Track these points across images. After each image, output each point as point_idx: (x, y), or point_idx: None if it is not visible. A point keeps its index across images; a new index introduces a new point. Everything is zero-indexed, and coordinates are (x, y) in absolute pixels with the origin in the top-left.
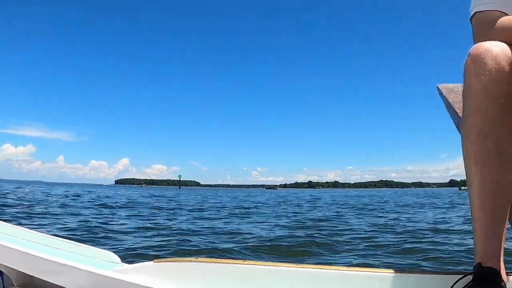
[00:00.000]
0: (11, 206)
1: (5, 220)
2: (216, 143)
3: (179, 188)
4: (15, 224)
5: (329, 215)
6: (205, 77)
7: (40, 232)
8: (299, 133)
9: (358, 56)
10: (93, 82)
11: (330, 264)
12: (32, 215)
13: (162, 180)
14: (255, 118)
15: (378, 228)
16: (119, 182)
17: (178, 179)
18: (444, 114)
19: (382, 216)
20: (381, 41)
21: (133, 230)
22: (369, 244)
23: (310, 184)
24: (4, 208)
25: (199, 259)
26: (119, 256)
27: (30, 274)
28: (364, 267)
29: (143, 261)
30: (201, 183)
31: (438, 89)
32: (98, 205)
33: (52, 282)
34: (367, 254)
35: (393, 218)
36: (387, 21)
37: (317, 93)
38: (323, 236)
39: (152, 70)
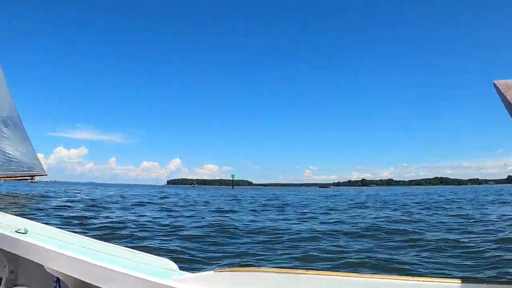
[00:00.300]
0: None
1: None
2: (268, 142)
3: (232, 187)
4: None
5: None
6: (263, 78)
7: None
8: (351, 132)
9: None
10: (145, 84)
11: None
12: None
13: (214, 180)
14: (308, 117)
15: None
16: (171, 182)
17: (231, 178)
18: (501, 110)
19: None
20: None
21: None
22: None
23: (364, 182)
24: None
25: (262, 268)
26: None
27: (86, 281)
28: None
29: (203, 271)
30: (253, 182)
31: (495, 86)
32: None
33: None
34: None
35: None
36: None
37: (372, 92)
38: None
39: (207, 69)
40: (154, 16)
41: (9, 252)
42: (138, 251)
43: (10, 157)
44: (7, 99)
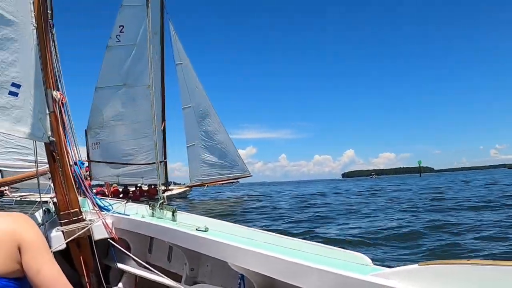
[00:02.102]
0: None
1: None
2: (445, 123)
3: (420, 175)
4: None
5: None
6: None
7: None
8: None
9: None
10: (307, 78)
11: None
12: None
13: (391, 169)
14: (488, 90)
15: None
16: (346, 175)
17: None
18: None
19: None
20: None
21: None
22: None
23: None
24: None
25: (472, 261)
26: None
27: (274, 277)
28: None
29: (405, 265)
30: (434, 169)
31: None
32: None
33: (296, 284)
34: None
35: None
36: None
37: None
38: None
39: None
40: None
41: (190, 250)
42: (326, 245)
43: (214, 162)
44: (205, 101)
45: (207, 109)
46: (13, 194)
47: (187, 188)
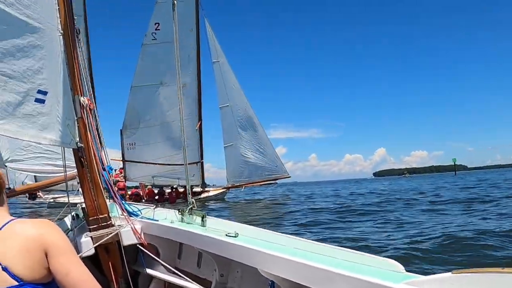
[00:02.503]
0: None
1: None
2: (479, 119)
3: (455, 174)
4: None
5: None
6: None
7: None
8: None
9: None
10: (333, 77)
11: None
12: None
13: (425, 167)
14: None
15: None
16: (378, 174)
17: (451, 163)
18: None
19: None
20: None
21: None
22: None
23: None
24: None
25: (507, 269)
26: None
27: (303, 284)
28: None
29: (438, 272)
30: (468, 166)
31: None
32: None
33: None
34: None
35: None
36: None
37: None
38: None
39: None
40: None
41: (220, 256)
42: (358, 251)
43: (252, 162)
44: (243, 100)
45: (245, 108)
46: (46, 196)
47: (224, 190)
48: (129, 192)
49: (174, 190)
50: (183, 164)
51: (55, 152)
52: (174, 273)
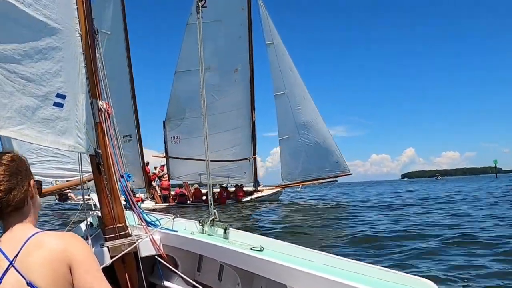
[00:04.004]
0: None
1: None
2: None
3: (496, 176)
4: None
5: None
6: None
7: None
8: None
9: None
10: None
11: None
12: None
13: (456, 169)
14: None
15: None
16: (406, 176)
17: (494, 165)
18: None
19: None
20: None
21: None
22: None
23: None
24: None
25: None
26: None
27: None
28: None
29: None
30: (502, 169)
31: None
32: None
33: None
34: None
35: None
36: None
37: None
38: None
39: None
40: None
41: (243, 269)
42: (389, 269)
43: (312, 157)
44: (301, 86)
45: (303, 96)
46: (79, 197)
47: (279, 189)
48: (172, 193)
49: (224, 189)
50: (234, 160)
51: (65, 155)
52: (193, 286)
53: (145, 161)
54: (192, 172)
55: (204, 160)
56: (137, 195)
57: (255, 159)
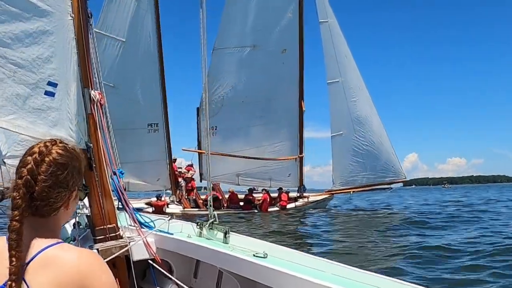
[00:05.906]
0: None
1: None
2: None
3: None
4: None
5: None
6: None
7: None
8: None
9: None
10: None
11: None
12: None
13: (463, 177)
14: None
15: None
16: (408, 183)
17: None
18: None
19: None
20: None
21: None
22: None
23: None
24: None
25: None
26: None
27: None
28: None
29: None
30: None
31: None
32: None
33: None
34: None
35: None
36: None
37: None
38: None
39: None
40: None
41: (244, 277)
42: (404, 281)
43: (367, 159)
44: (356, 74)
45: (360, 86)
46: None
47: (328, 195)
48: (203, 197)
49: (266, 192)
50: (278, 159)
51: None
52: None
53: (173, 157)
54: (228, 172)
55: (242, 158)
56: (162, 198)
57: (301, 158)
